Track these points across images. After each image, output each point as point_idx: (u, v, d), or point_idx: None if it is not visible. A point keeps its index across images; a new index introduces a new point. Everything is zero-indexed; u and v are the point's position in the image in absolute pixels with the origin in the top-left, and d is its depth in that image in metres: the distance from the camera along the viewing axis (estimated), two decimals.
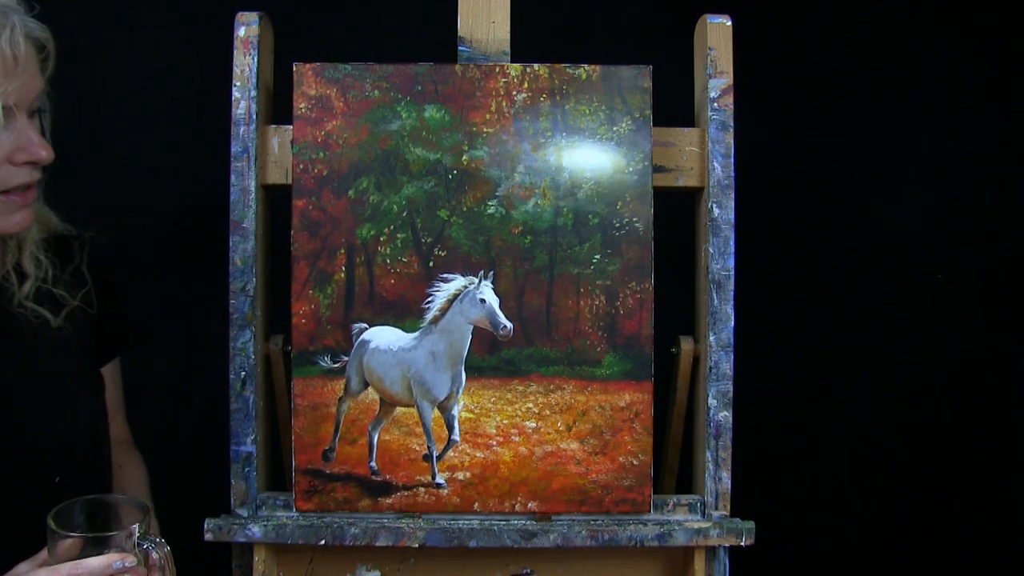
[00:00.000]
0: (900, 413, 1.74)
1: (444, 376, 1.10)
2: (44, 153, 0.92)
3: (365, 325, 1.09)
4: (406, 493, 1.10)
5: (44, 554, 0.86)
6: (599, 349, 1.10)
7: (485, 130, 1.10)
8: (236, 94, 1.09)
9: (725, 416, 1.10)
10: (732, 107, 1.10)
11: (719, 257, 1.10)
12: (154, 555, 0.86)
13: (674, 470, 1.21)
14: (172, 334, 1.63)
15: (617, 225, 1.10)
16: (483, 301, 1.08)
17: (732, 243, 1.10)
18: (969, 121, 1.72)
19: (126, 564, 0.83)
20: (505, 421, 1.10)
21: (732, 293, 1.10)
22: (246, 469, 1.09)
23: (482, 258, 1.09)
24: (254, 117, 1.09)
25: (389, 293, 1.09)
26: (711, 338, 1.10)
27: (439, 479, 1.10)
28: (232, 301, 1.09)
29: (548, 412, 1.10)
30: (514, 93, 1.10)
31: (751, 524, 1.10)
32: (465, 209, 1.09)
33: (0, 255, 1.01)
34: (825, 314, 1.71)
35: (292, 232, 1.10)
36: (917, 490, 1.76)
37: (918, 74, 1.70)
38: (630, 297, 1.10)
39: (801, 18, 1.68)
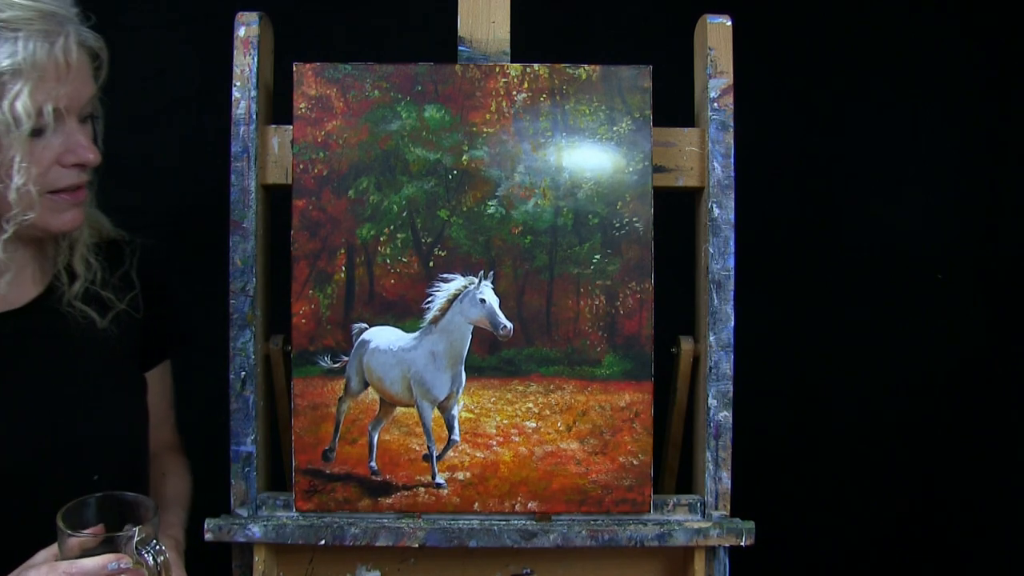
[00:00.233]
0: (900, 413, 1.74)
1: (444, 376, 1.10)
2: (91, 156, 0.96)
3: (365, 325, 1.09)
4: (406, 493, 1.10)
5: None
6: (599, 349, 1.10)
7: (485, 130, 1.09)
8: (236, 94, 1.09)
9: (725, 416, 1.10)
10: (732, 107, 1.10)
11: (719, 257, 1.10)
12: (151, 561, 0.86)
13: (674, 470, 1.21)
14: None
15: (617, 225, 1.10)
16: (483, 301, 1.08)
17: (732, 243, 1.10)
18: (969, 121, 1.72)
19: (121, 565, 0.84)
20: (505, 421, 1.10)
21: (732, 293, 1.10)
22: (246, 469, 1.09)
23: (482, 258, 1.09)
24: (254, 117, 1.09)
25: (389, 293, 1.09)
26: (711, 338, 1.10)
27: (439, 479, 1.10)
28: (232, 301, 1.09)
29: (548, 412, 1.10)
30: (514, 93, 1.10)
31: (751, 524, 1.10)
32: (465, 209, 1.09)
33: (52, 255, 1.05)
34: (825, 314, 1.71)
35: (292, 232, 1.10)
36: (917, 490, 1.76)
37: (918, 74, 1.70)
38: (630, 297, 1.10)
39: (801, 18, 1.68)
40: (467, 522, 1.09)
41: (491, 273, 1.09)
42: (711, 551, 1.12)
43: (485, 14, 1.13)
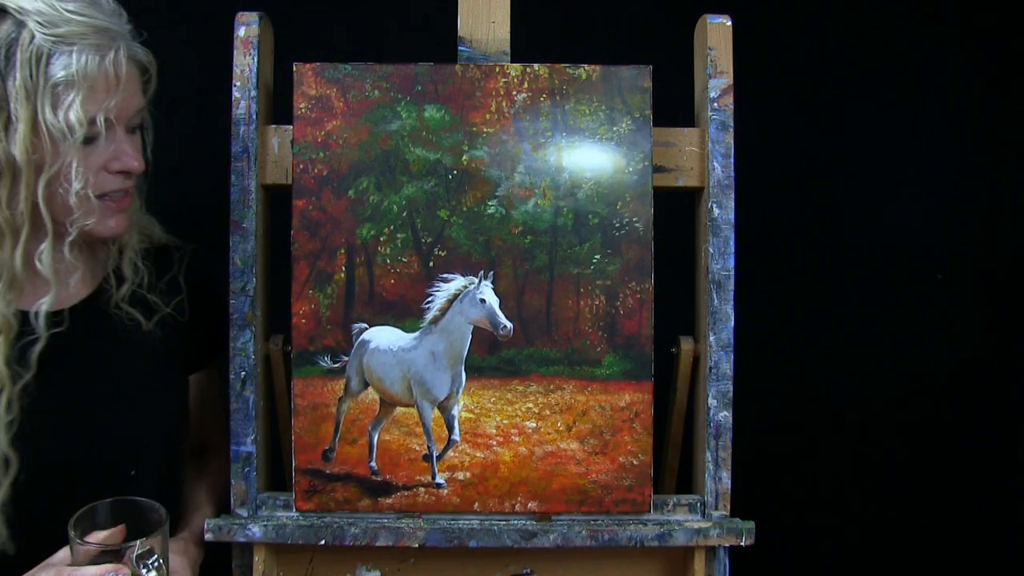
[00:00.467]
0: (900, 413, 1.74)
1: (444, 376, 1.10)
2: (136, 164, 1.01)
3: (365, 325, 1.09)
4: (406, 493, 1.10)
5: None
6: (599, 349, 1.10)
7: (485, 130, 1.10)
8: (236, 94, 1.09)
9: (725, 416, 1.10)
10: (732, 107, 1.10)
11: (719, 257, 1.10)
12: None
13: (674, 470, 1.21)
14: None
15: (617, 225, 1.10)
16: (483, 301, 1.08)
17: (732, 243, 1.10)
18: (969, 121, 1.71)
19: (119, 575, 0.86)
20: (505, 421, 1.10)
21: (732, 293, 1.10)
22: (246, 469, 1.09)
23: (482, 258, 1.09)
24: (254, 117, 1.09)
25: (389, 293, 1.09)
26: (711, 338, 1.10)
27: (439, 479, 1.10)
28: (232, 301, 1.09)
29: (548, 412, 1.10)
30: (514, 93, 1.10)
31: (751, 524, 1.10)
32: (465, 209, 1.09)
33: (103, 259, 1.10)
34: (825, 314, 1.71)
35: (292, 232, 1.10)
36: (917, 490, 1.76)
37: (918, 74, 1.69)
38: (630, 297, 1.10)
39: (801, 18, 1.68)
40: (467, 522, 1.09)
41: (491, 273, 1.09)
42: (711, 551, 1.12)
43: (485, 14, 1.13)
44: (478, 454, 1.10)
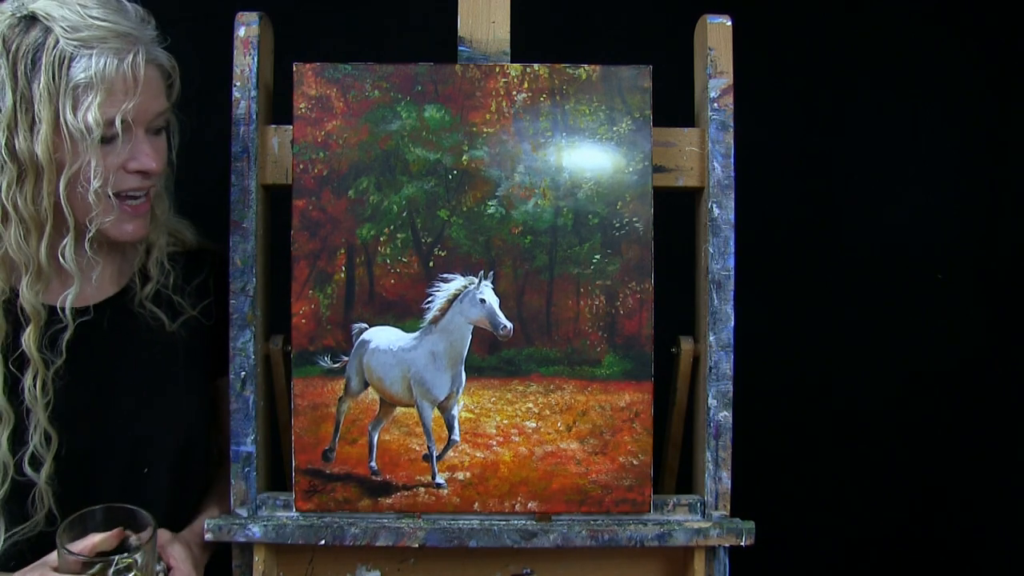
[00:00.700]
0: (900, 413, 1.74)
1: (444, 376, 1.10)
2: (153, 164, 1.03)
3: (365, 325, 1.09)
4: (406, 493, 1.10)
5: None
6: (599, 349, 1.10)
7: (485, 130, 1.09)
8: (236, 94, 1.09)
9: (725, 416, 1.10)
10: (732, 107, 1.10)
11: (719, 257, 1.10)
12: None
13: (674, 470, 1.21)
14: None
15: (617, 225, 1.10)
16: (483, 301, 1.08)
17: (732, 243, 1.10)
18: (969, 121, 1.72)
19: None
20: (505, 421, 1.10)
21: (732, 293, 1.10)
22: (246, 469, 1.09)
23: (482, 258, 1.09)
24: (254, 117, 1.09)
25: (389, 293, 1.09)
26: (711, 338, 1.10)
27: (439, 479, 1.10)
28: (232, 301, 1.09)
29: (548, 412, 1.10)
30: (514, 93, 1.10)
31: (751, 524, 1.10)
32: (465, 209, 1.09)
33: (132, 259, 1.13)
34: (825, 314, 1.71)
35: (292, 232, 1.10)
36: (917, 490, 1.76)
37: (918, 74, 1.70)
38: (630, 297, 1.10)
39: (801, 18, 1.68)
40: (467, 522, 1.09)
41: (491, 273, 1.09)
42: (711, 551, 1.12)
43: (485, 14, 1.13)
44: (478, 454, 1.10)
